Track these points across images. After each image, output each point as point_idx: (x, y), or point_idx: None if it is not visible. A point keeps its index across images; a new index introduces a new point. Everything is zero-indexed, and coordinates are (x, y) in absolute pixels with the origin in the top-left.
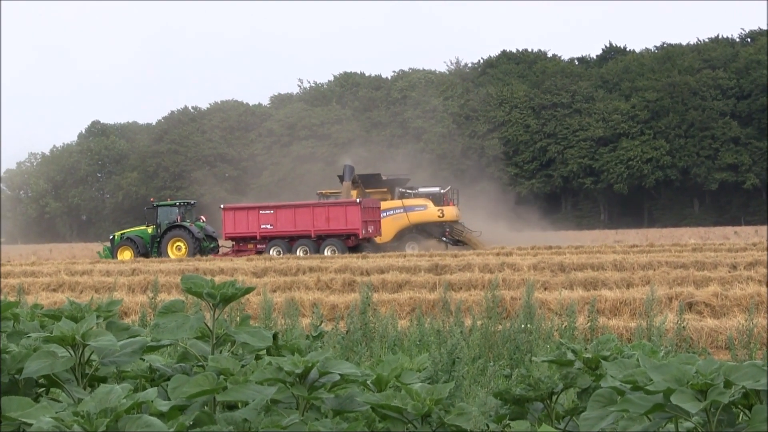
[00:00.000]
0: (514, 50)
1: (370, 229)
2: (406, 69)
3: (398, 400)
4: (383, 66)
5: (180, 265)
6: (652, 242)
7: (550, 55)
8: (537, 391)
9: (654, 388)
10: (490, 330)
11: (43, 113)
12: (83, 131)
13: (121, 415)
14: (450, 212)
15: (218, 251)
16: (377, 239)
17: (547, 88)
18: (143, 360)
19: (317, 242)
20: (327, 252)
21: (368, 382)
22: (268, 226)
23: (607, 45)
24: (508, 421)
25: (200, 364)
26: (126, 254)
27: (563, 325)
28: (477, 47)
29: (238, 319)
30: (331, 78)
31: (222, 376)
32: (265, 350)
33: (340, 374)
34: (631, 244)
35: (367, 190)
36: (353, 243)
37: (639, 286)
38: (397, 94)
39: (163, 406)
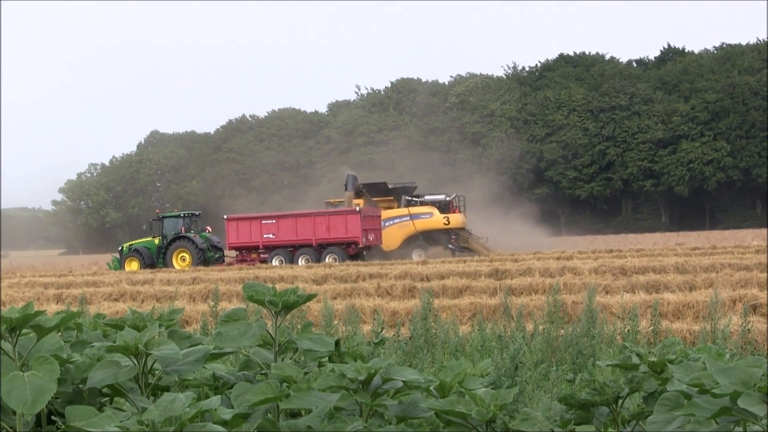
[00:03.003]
0: (571, 53)
1: (371, 237)
2: (463, 74)
3: (462, 406)
4: (440, 71)
5: (240, 274)
6: (715, 244)
7: (607, 57)
8: (602, 396)
9: (720, 391)
10: (552, 335)
11: (102, 124)
12: (142, 141)
13: (186, 424)
14: (456, 219)
15: (224, 261)
16: (384, 247)
17: (605, 90)
18: (206, 368)
19: (318, 251)
20: (328, 260)
21: (431, 388)
22: (271, 236)
23: (666, 46)
24: (573, 426)
25: (263, 371)
26: (133, 265)
27: (626, 329)
28: (534, 51)
29: (299, 326)
30: (389, 84)
31: (285, 384)
32: (328, 357)
33: (403, 381)
34: (693, 247)
35: (374, 199)
36: (354, 251)
37: (702, 289)
38: (455, 99)
39: (227, 414)
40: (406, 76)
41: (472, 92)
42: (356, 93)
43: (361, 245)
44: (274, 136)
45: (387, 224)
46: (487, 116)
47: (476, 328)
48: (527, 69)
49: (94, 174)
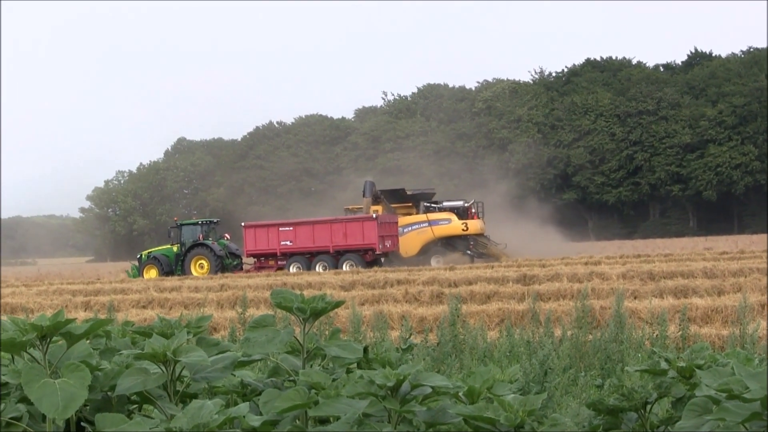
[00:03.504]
0: (598, 58)
1: (388, 243)
2: (489, 79)
3: (491, 412)
4: (467, 77)
5: (268, 280)
6: (743, 249)
7: (634, 62)
8: (631, 401)
9: (750, 396)
10: (581, 340)
11: (129, 131)
12: (169, 148)
13: (214, 431)
14: (474, 225)
15: (242, 268)
16: (403, 253)
17: (632, 95)
18: (234, 375)
19: (335, 257)
20: (345, 267)
21: (460, 394)
22: (288, 243)
23: (693, 50)
24: None
25: (291, 378)
26: (152, 273)
27: (654, 334)
28: (561, 56)
29: (327, 333)
30: (415, 90)
31: (313, 391)
32: (356, 364)
33: (431, 387)
34: (721, 251)
35: (392, 205)
36: (371, 258)
37: (730, 294)
38: (482, 105)
39: (255, 421)
40: (432, 82)
41: (498, 98)
42: (383, 99)
43: (378, 252)
44: (301, 143)
45: (405, 230)
46: (514, 122)
47: (504, 333)
48: (554, 74)
49: (122, 181)
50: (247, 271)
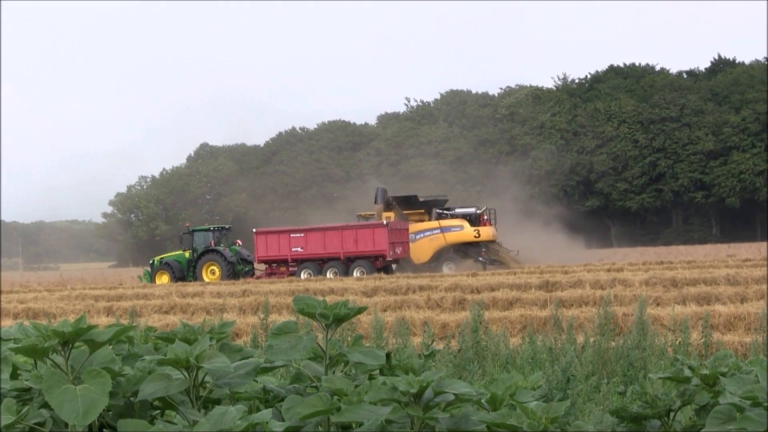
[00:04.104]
0: (621, 65)
1: (398, 250)
2: (512, 86)
3: (514, 419)
4: (490, 83)
5: (290, 286)
6: (766, 256)
7: (658, 68)
8: (654, 409)
9: None
10: (603, 347)
11: (152, 137)
12: (192, 154)
13: None
14: (486, 232)
15: (253, 274)
16: (415, 260)
17: (655, 102)
18: (257, 381)
19: (346, 264)
20: (356, 273)
21: (482, 401)
22: (299, 249)
23: (716, 57)
24: None
25: (314, 384)
26: (164, 278)
27: (677, 341)
28: (584, 62)
29: (350, 339)
30: (438, 96)
31: (336, 397)
32: (379, 370)
33: (454, 393)
34: (744, 258)
35: (405, 212)
36: (381, 264)
37: (753, 301)
38: (505, 111)
39: (278, 427)
40: (455, 88)
41: (521, 104)
42: (405, 105)
43: (388, 258)
44: (324, 149)
45: (418, 237)
46: (536, 128)
47: (527, 340)
48: (577, 80)
49: (144, 186)
50: (258, 277)
